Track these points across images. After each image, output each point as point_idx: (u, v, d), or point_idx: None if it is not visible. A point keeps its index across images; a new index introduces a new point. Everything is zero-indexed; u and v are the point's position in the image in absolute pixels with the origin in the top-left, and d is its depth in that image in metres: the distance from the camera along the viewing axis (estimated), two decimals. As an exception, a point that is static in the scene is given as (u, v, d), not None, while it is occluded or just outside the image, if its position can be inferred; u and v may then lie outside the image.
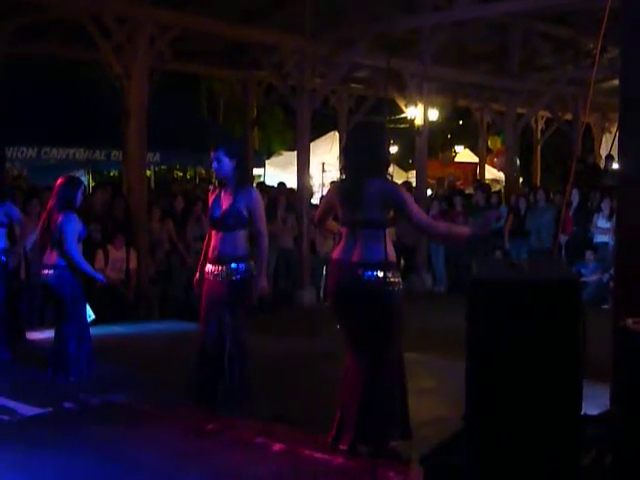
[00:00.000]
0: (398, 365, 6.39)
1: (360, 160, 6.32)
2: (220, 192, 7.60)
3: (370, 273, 6.15)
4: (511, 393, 4.17)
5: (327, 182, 23.65)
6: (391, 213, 6.25)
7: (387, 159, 6.51)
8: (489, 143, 27.64)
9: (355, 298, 6.21)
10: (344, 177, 6.45)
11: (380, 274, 6.15)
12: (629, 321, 4.33)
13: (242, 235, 7.50)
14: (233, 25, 14.57)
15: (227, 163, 7.46)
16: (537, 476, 4.13)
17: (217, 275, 7.46)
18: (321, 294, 15.33)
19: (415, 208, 6.27)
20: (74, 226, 9.04)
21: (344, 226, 6.44)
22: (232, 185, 7.51)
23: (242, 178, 7.61)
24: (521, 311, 4.12)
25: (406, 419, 6.40)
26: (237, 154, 7.54)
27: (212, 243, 7.54)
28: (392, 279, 6.21)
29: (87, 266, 9.42)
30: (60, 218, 8.96)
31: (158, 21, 13.46)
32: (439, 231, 6.58)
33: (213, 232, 7.58)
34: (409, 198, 6.28)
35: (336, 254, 6.43)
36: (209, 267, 7.54)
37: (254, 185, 11.77)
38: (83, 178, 20.50)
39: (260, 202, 7.59)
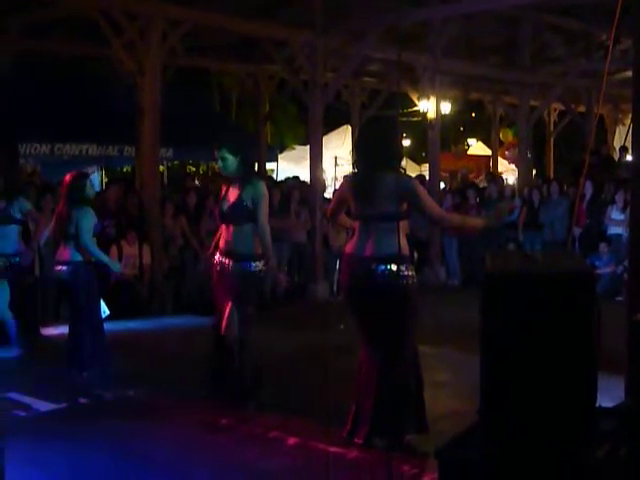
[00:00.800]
0: (413, 359, 6.40)
1: (372, 154, 6.35)
2: (229, 187, 7.63)
3: (383, 267, 6.16)
4: (525, 386, 4.16)
5: (340, 176, 23.66)
6: (405, 206, 6.24)
7: (399, 152, 6.53)
8: (501, 136, 27.59)
9: (369, 292, 6.22)
10: (356, 171, 6.46)
11: (394, 268, 6.16)
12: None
13: (251, 229, 7.50)
14: (244, 20, 14.56)
15: (231, 161, 7.54)
16: (551, 469, 4.12)
17: (227, 267, 7.49)
18: (334, 288, 15.32)
19: (429, 201, 6.29)
20: (90, 219, 9.09)
21: (357, 220, 6.44)
22: (239, 180, 7.56)
23: (248, 172, 7.63)
24: (535, 304, 4.11)
25: (422, 413, 6.41)
26: (240, 150, 7.61)
27: (224, 235, 7.58)
28: (406, 272, 6.21)
29: (104, 256, 9.48)
30: (74, 213, 8.99)
31: (169, 17, 13.46)
32: (453, 223, 6.59)
33: (223, 226, 7.62)
34: (422, 191, 6.28)
35: (349, 248, 6.44)
36: (219, 258, 7.57)
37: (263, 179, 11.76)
38: (96, 174, 20.58)
39: (265, 195, 7.55)
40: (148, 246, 13.36)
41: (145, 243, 13.35)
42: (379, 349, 6.26)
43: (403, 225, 6.29)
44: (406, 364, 6.27)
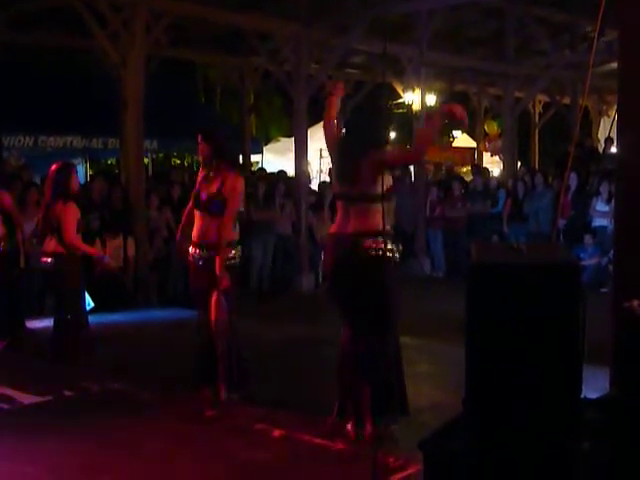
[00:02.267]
0: (395, 345, 6.45)
1: (357, 138, 6.46)
2: (207, 175, 7.61)
3: (370, 240, 6.21)
4: (510, 377, 4.16)
5: (325, 168, 23.63)
6: (386, 187, 6.25)
7: (383, 139, 6.60)
8: (486, 128, 27.60)
9: (353, 266, 6.32)
10: (341, 153, 6.51)
11: (376, 241, 6.25)
12: (635, 302, 4.32)
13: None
14: (229, 11, 14.55)
15: (205, 147, 7.57)
16: (536, 460, 4.12)
17: (200, 260, 7.48)
18: (319, 279, 15.33)
19: (392, 152, 6.60)
20: (73, 213, 9.03)
21: (340, 200, 6.48)
22: (217, 171, 7.55)
23: (227, 164, 7.61)
24: (520, 295, 4.11)
25: (404, 397, 6.45)
26: (214, 138, 7.61)
27: (198, 224, 7.53)
28: (388, 247, 6.25)
29: (88, 248, 9.48)
30: (59, 206, 8.95)
31: (154, 8, 13.43)
32: (415, 150, 6.75)
33: (197, 214, 7.57)
34: (397, 152, 6.49)
35: (333, 229, 6.53)
36: (194, 250, 7.54)
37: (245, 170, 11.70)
38: (80, 166, 20.47)
39: (237, 189, 7.52)
40: (132, 238, 13.33)
41: (130, 235, 13.32)
42: (363, 329, 6.30)
43: (387, 208, 6.35)
44: (388, 349, 6.30)
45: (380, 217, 6.03)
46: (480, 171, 20.11)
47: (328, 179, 18.14)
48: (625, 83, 6.15)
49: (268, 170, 20.37)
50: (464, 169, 25.01)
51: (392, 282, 6.37)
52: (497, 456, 4.21)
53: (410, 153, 6.67)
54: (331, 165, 6.86)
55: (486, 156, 27.98)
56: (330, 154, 6.82)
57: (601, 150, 21.61)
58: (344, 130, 6.84)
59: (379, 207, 6.11)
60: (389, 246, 6.29)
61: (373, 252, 6.25)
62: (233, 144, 7.96)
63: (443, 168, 22.24)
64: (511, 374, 4.18)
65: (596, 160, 19.29)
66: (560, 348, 4.09)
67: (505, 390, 4.18)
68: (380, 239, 6.24)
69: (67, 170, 9.26)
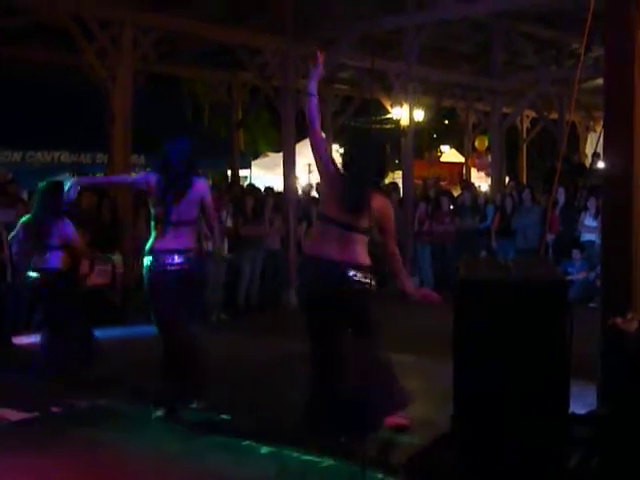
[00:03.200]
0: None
1: (366, 169, 6.60)
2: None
3: (355, 273, 6.27)
4: (498, 393, 4.16)
5: (313, 183, 23.65)
6: (373, 223, 6.51)
7: (387, 171, 6.78)
8: (477, 143, 27.64)
9: (339, 294, 6.43)
10: (346, 178, 6.51)
11: (365, 274, 6.42)
12: (618, 320, 4.33)
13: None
14: (216, 27, 14.57)
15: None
16: (525, 476, 4.12)
17: (182, 269, 7.57)
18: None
19: (393, 230, 6.71)
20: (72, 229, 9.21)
21: (332, 225, 6.47)
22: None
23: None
24: (507, 311, 4.12)
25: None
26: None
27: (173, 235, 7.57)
28: (371, 281, 6.44)
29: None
30: (60, 225, 9.07)
31: (141, 24, 13.43)
32: (394, 265, 6.76)
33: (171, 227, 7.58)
34: (392, 218, 6.56)
35: (314, 250, 6.59)
36: (172, 259, 7.58)
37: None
38: (68, 182, 20.43)
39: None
40: (120, 254, 13.29)
41: (118, 251, 13.28)
42: (339, 348, 6.51)
43: (366, 239, 6.57)
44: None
45: (366, 250, 6.40)
46: (468, 186, 20.12)
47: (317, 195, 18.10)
48: (611, 99, 6.17)
49: (257, 185, 20.40)
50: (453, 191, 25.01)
51: (370, 310, 6.59)
52: (485, 471, 4.20)
53: (393, 254, 6.68)
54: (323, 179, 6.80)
55: (474, 171, 28.03)
56: (319, 154, 6.82)
57: (588, 165, 21.66)
58: (349, 157, 6.87)
59: (367, 240, 6.45)
60: (372, 281, 6.49)
61: (360, 284, 6.43)
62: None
63: (425, 184, 21.98)
64: (498, 390, 4.18)
65: (584, 175, 19.32)
66: (547, 364, 4.10)
67: (493, 406, 4.18)
68: (367, 272, 6.44)
69: (59, 190, 9.33)
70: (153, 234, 7.51)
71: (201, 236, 11.04)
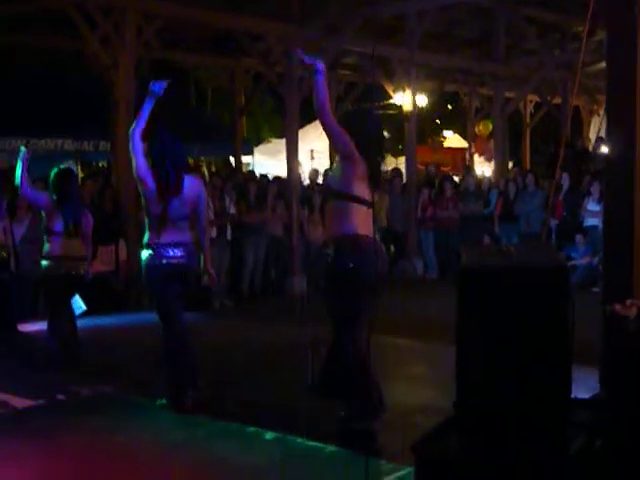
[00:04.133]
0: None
1: (380, 144, 6.95)
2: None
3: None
4: (501, 378, 4.18)
5: (320, 169, 23.63)
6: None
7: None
8: (481, 127, 27.59)
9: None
10: (367, 158, 6.51)
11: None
12: (617, 306, 4.34)
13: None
14: (219, 13, 14.55)
15: None
16: (527, 461, 4.14)
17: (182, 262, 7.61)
18: (317, 280, 15.29)
19: None
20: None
21: (364, 205, 6.49)
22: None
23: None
24: (510, 297, 4.13)
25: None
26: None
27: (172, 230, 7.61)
28: None
29: None
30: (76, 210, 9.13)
31: (144, 11, 13.43)
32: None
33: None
34: None
35: (369, 231, 6.45)
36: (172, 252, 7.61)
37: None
38: (72, 169, 20.44)
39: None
40: (124, 241, 13.32)
41: (121, 238, 13.31)
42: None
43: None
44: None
45: None
46: (469, 171, 20.09)
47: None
48: (613, 83, 6.17)
49: (259, 171, 20.40)
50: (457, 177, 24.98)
51: None
52: (488, 457, 4.22)
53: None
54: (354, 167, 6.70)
55: (477, 156, 27.97)
56: (342, 137, 6.61)
57: (592, 150, 21.63)
58: (362, 133, 6.63)
59: None
60: None
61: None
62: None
63: (431, 169, 21.86)
64: (501, 375, 4.19)
65: (587, 160, 19.30)
66: (549, 349, 4.11)
67: (495, 391, 4.20)
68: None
69: (70, 175, 9.42)
70: (149, 230, 7.47)
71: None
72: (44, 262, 9.22)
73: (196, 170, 21.85)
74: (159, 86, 7.54)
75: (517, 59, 20.43)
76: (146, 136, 7.61)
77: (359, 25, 15.33)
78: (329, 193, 6.78)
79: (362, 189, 6.45)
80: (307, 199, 15.91)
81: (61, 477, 5.98)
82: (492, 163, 25.38)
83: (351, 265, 6.37)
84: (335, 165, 6.87)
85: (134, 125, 7.52)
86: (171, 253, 7.42)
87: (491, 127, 26.59)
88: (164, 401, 7.47)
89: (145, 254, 7.43)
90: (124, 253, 13.30)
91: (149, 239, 7.43)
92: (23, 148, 9.26)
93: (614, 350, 4.30)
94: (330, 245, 6.56)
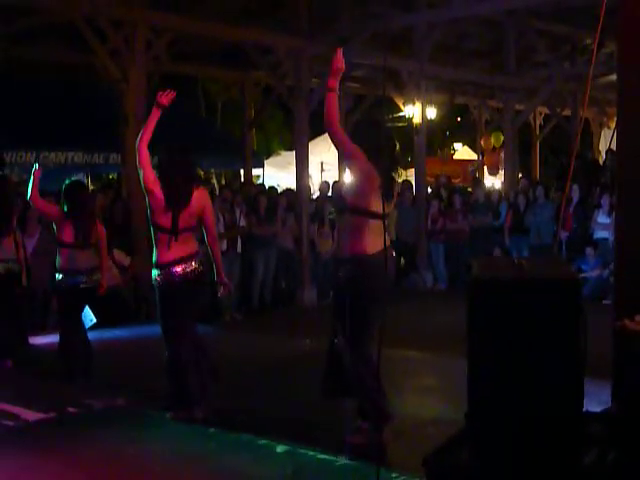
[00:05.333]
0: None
1: (394, 157, 6.96)
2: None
3: None
4: (512, 391, 4.17)
5: (330, 181, 23.65)
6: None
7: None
8: (492, 139, 27.59)
9: None
10: (381, 171, 6.56)
11: None
12: (626, 321, 4.34)
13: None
14: (229, 26, 14.59)
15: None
16: (539, 474, 4.13)
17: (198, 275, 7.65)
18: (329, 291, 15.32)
19: None
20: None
21: (378, 219, 6.51)
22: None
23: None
24: (520, 310, 4.13)
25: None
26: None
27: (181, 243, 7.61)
28: None
29: None
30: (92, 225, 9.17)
31: (154, 24, 13.47)
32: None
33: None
34: None
35: (380, 245, 6.54)
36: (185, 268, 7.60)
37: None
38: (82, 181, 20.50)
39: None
40: (135, 254, 13.34)
41: (132, 251, 13.34)
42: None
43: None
44: None
45: None
46: (478, 183, 20.10)
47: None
48: (624, 95, 6.16)
49: (269, 184, 20.42)
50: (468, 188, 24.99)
51: None
52: (499, 469, 4.21)
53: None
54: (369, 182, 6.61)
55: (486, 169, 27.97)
56: (351, 150, 6.72)
57: (602, 162, 21.62)
58: (373, 144, 6.67)
59: None
60: None
61: None
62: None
63: (441, 180, 21.87)
64: (513, 388, 4.19)
65: (597, 172, 19.29)
66: (561, 362, 4.11)
67: (507, 404, 4.19)
68: None
69: (84, 188, 9.51)
70: (157, 245, 7.50)
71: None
72: (57, 275, 9.25)
73: (206, 182, 21.96)
74: (166, 98, 7.55)
75: (527, 71, 20.43)
76: (155, 148, 7.61)
77: (368, 38, 15.36)
78: (344, 207, 6.78)
79: (376, 203, 6.44)
80: (317, 211, 15.93)
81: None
82: (498, 175, 25.40)
83: (361, 283, 6.50)
84: (349, 178, 6.84)
85: (140, 136, 7.51)
86: (177, 269, 7.42)
87: (502, 139, 26.62)
88: (169, 415, 7.50)
89: (154, 274, 7.45)
90: (135, 265, 13.32)
91: (159, 257, 7.45)
92: (36, 165, 9.37)
93: (624, 365, 4.30)
94: (343, 264, 6.65)
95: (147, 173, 7.48)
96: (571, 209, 16.24)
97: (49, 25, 14.61)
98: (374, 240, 6.49)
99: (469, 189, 20.74)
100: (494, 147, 25.50)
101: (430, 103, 19.76)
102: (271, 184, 20.34)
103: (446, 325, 11.05)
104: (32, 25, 14.58)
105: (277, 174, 25.55)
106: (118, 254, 13.07)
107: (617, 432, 4.32)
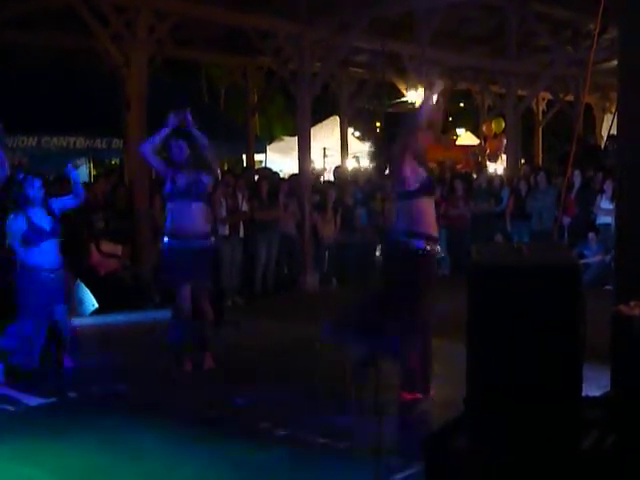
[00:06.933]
0: None
1: None
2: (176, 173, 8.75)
3: None
4: (511, 376, 4.17)
5: (328, 167, 23.62)
6: None
7: None
8: (493, 125, 27.50)
9: None
10: None
11: None
12: (621, 307, 4.35)
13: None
14: (231, 11, 14.54)
15: (185, 150, 8.79)
16: (538, 458, 4.14)
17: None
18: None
19: None
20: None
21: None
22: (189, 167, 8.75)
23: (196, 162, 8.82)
24: (520, 295, 4.13)
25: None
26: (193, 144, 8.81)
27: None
28: None
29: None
30: None
31: (157, 9, 13.43)
32: None
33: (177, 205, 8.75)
34: None
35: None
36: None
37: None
38: (84, 167, 20.46)
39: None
40: (137, 239, 13.34)
41: (134, 236, 13.33)
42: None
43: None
44: None
45: None
46: (481, 169, 20.08)
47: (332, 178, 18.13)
48: (625, 80, 6.15)
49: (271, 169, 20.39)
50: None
51: None
52: (498, 454, 4.22)
53: None
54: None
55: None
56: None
57: (604, 147, 21.57)
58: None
59: None
60: None
61: None
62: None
63: (447, 165, 21.92)
64: (512, 372, 4.19)
65: (597, 157, 19.25)
66: (560, 347, 4.11)
67: (506, 388, 4.20)
68: None
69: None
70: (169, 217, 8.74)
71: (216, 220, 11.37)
72: None
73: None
74: (176, 119, 8.67)
75: (529, 57, 20.36)
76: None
77: (369, 22, 15.30)
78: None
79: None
80: (321, 197, 15.92)
81: (71, 475, 5.99)
82: (500, 161, 25.36)
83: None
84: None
85: (145, 142, 8.83)
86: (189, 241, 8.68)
87: (503, 125, 26.57)
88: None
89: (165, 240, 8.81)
90: (136, 250, 13.31)
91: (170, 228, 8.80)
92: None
93: (621, 350, 4.31)
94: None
95: (158, 167, 9.07)
96: (573, 194, 16.21)
97: (51, 10, 14.53)
98: None
99: (474, 174, 20.72)
100: (495, 133, 25.45)
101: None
102: (274, 170, 20.31)
103: (448, 310, 11.03)
104: (33, 9, 14.52)
105: (280, 159, 25.50)
106: (106, 245, 13.00)
107: (615, 416, 4.33)
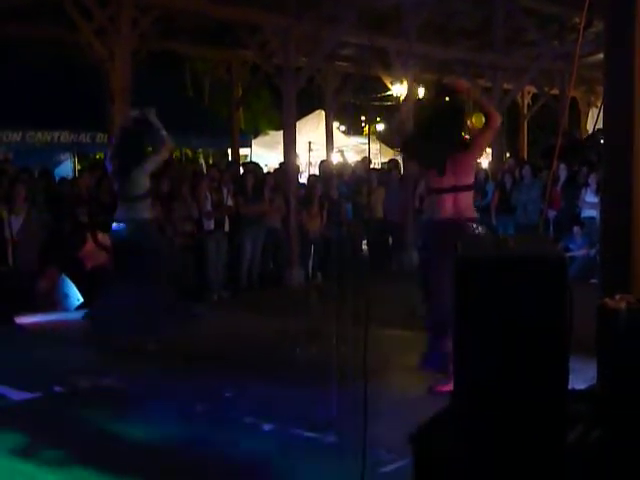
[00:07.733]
0: None
1: None
2: None
3: None
4: (497, 369, 4.17)
5: (314, 161, 23.62)
6: None
7: None
8: (474, 120, 27.51)
9: None
10: None
11: None
12: (606, 300, 4.35)
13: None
14: (216, 4, 14.49)
15: None
16: (523, 452, 4.14)
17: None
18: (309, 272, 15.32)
19: None
20: None
21: None
22: None
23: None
24: (506, 288, 4.12)
25: None
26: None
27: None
28: None
29: None
30: None
31: (140, 3, 13.37)
32: None
33: None
34: None
35: None
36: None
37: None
38: (69, 161, 20.42)
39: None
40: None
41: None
42: None
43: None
44: None
45: None
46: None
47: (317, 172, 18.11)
48: (610, 74, 6.15)
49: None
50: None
51: None
52: (483, 448, 4.22)
53: None
54: None
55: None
56: None
57: (589, 141, 21.62)
58: None
59: None
60: None
61: None
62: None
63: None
64: (498, 366, 4.19)
65: (581, 151, 19.30)
66: (546, 340, 4.10)
67: (492, 381, 4.19)
68: None
69: None
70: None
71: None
72: None
73: (194, 162, 21.88)
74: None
75: (516, 50, 20.39)
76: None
77: (355, 16, 15.28)
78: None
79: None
80: (307, 192, 15.91)
81: (59, 469, 5.98)
82: (485, 155, 25.38)
83: None
84: None
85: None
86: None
87: (483, 120, 26.53)
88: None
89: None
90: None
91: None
92: None
93: (607, 344, 4.31)
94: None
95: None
96: (558, 188, 16.25)
97: (34, 3, 14.46)
98: None
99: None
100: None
101: (418, 82, 19.71)
102: (259, 164, 20.29)
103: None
104: (16, 3, 14.45)
105: (266, 154, 25.49)
106: (103, 237, 12.96)
107: (601, 410, 4.33)
